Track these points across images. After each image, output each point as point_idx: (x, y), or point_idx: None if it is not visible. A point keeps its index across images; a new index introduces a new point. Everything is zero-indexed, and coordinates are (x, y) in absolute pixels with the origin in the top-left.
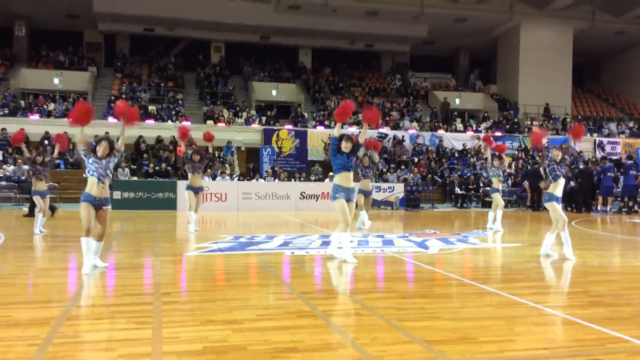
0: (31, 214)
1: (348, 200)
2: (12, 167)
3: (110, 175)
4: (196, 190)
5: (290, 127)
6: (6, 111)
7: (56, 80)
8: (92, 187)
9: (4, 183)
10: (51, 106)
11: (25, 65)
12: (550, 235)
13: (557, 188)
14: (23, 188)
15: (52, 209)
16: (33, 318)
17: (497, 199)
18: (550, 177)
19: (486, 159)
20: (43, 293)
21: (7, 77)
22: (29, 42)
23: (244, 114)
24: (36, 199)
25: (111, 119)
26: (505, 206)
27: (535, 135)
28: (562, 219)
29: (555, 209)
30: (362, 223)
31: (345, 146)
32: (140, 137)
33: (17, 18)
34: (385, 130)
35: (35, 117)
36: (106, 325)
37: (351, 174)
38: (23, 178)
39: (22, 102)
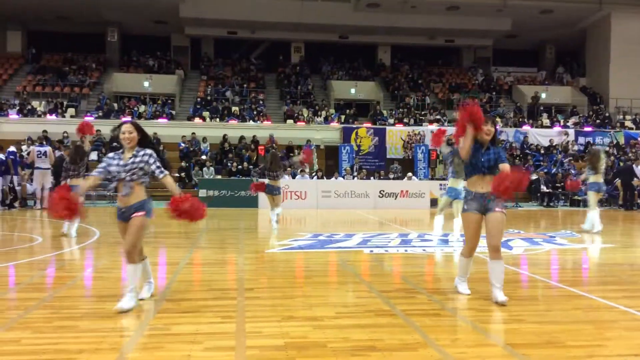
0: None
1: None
2: None
3: (142, 180)
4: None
5: (369, 125)
6: (100, 114)
7: (146, 84)
8: (119, 196)
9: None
10: (142, 108)
11: (117, 69)
12: None
13: None
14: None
15: None
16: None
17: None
18: None
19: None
20: None
21: (100, 82)
22: (120, 48)
23: (323, 112)
24: None
25: (197, 120)
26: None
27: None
28: None
29: None
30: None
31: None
32: (225, 136)
33: (109, 25)
34: None
35: (127, 119)
36: (193, 318)
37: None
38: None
39: (115, 105)
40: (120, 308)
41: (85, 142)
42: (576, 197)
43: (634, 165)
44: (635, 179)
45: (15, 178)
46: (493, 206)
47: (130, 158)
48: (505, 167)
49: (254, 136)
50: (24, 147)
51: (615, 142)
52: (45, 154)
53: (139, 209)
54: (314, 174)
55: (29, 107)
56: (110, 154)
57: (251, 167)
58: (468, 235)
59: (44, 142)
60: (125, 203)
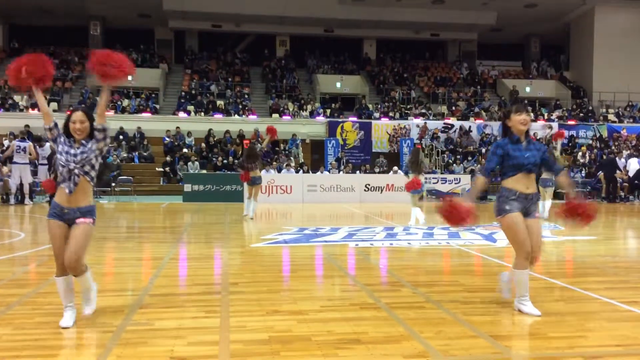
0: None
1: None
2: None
3: (93, 173)
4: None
5: (354, 119)
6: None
7: (130, 77)
8: (61, 192)
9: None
10: (125, 102)
11: None
12: None
13: None
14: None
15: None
16: (108, 306)
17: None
18: None
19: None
20: (118, 282)
21: (83, 75)
22: (103, 41)
23: (309, 106)
24: None
25: (182, 114)
26: None
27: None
28: None
29: None
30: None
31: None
32: (210, 131)
33: (92, 18)
34: (451, 120)
35: (110, 113)
36: (177, 313)
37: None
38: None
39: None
40: (84, 315)
41: None
42: (559, 190)
43: (616, 158)
44: (618, 171)
45: None
46: (533, 210)
47: (80, 148)
48: (563, 180)
49: (240, 130)
50: (5, 142)
51: (598, 135)
52: (24, 149)
53: (88, 214)
54: (299, 168)
55: (11, 101)
56: (65, 139)
57: (236, 161)
58: (519, 240)
59: (26, 138)
60: (71, 203)
